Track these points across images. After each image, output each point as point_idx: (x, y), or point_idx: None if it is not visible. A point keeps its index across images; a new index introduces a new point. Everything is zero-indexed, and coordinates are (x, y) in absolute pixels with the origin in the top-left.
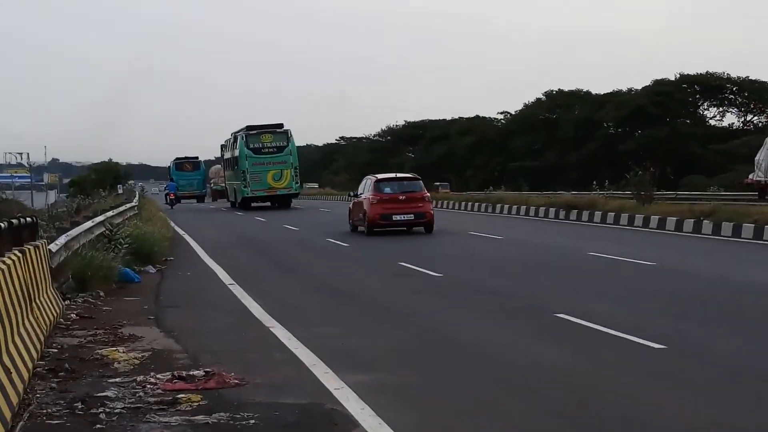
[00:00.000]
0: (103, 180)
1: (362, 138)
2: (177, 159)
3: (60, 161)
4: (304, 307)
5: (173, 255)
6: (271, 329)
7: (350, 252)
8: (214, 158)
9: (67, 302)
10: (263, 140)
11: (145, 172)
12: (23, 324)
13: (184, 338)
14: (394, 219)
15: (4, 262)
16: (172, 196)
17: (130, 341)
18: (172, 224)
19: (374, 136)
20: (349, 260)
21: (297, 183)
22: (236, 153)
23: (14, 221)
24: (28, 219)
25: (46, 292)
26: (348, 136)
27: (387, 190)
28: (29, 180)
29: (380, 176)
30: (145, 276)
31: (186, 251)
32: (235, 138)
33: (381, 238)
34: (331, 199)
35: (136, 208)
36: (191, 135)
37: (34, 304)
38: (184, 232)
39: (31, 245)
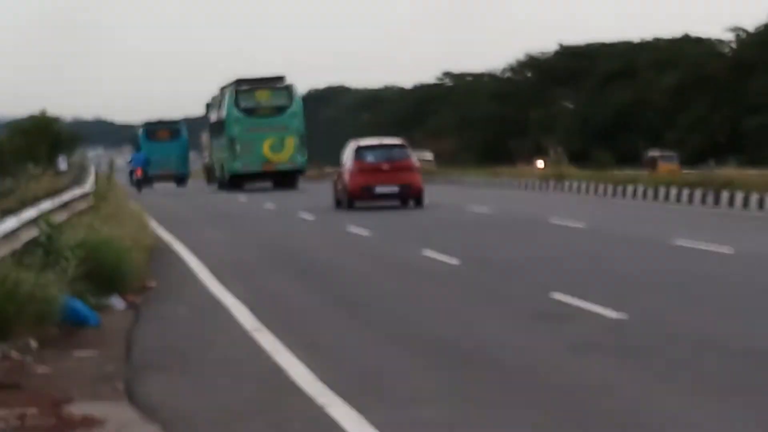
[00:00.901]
0: (34, 147)
1: (483, 75)
2: (148, 124)
3: None
4: (384, 368)
5: (156, 277)
6: (325, 409)
7: (463, 274)
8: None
9: None
10: (258, 98)
11: (104, 134)
12: None
13: (176, 426)
14: (376, 191)
15: None
16: (139, 174)
17: (84, 429)
18: (151, 222)
19: (504, 71)
20: (460, 287)
21: (303, 156)
22: (223, 115)
23: None
24: None
25: None
26: (458, 72)
27: (369, 158)
28: None
29: (362, 143)
30: (107, 314)
31: (177, 271)
32: (223, 95)
33: (516, 255)
34: (431, 181)
35: (92, 195)
36: (182, 80)
37: None
38: (172, 237)
39: None
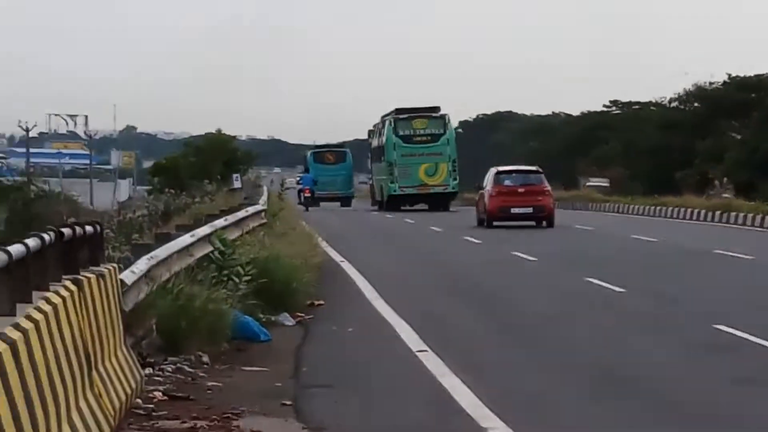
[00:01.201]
0: (209, 164)
1: (650, 104)
2: (316, 147)
3: (138, 131)
4: (547, 394)
5: (324, 296)
6: None
7: (628, 302)
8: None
9: (148, 371)
10: (415, 126)
11: (278, 153)
12: (77, 406)
13: None
14: (512, 212)
15: (48, 301)
16: (308, 193)
17: None
18: (321, 241)
19: (672, 101)
20: (624, 315)
21: (455, 180)
22: (383, 141)
23: (65, 231)
24: (89, 228)
25: (116, 353)
26: (626, 100)
27: (507, 182)
28: (88, 161)
29: (501, 168)
30: (277, 331)
31: (345, 289)
32: (383, 123)
33: (681, 284)
34: (598, 208)
35: (264, 213)
36: (356, 103)
37: (95, 372)
38: (340, 256)
39: (94, 272)
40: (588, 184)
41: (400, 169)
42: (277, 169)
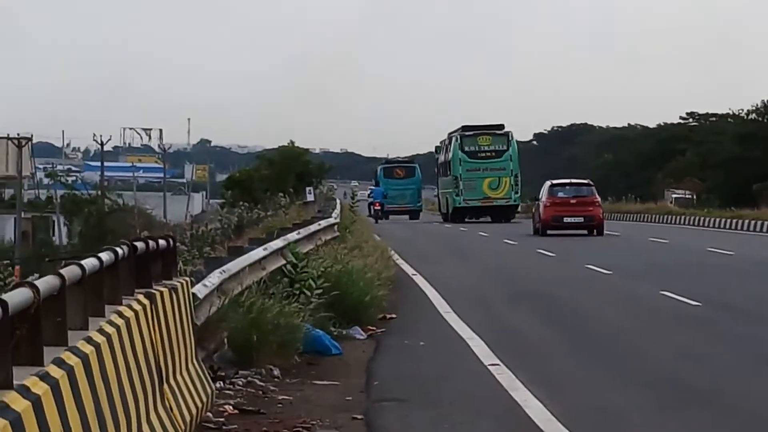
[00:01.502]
0: (282, 177)
1: (727, 116)
2: (386, 162)
3: (211, 144)
4: (620, 409)
5: (396, 310)
6: None
7: (704, 316)
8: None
9: (219, 385)
10: (480, 143)
11: (348, 167)
12: (148, 420)
13: None
14: (565, 221)
15: (120, 315)
16: (378, 206)
17: None
18: (394, 255)
19: (749, 112)
20: (700, 329)
21: (517, 193)
22: (449, 156)
23: (139, 245)
24: (162, 242)
25: (187, 367)
26: (702, 112)
27: (560, 194)
28: (161, 175)
29: (555, 181)
30: (348, 345)
31: (417, 303)
32: (450, 139)
33: (758, 299)
34: (674, 221)
35: (337, 227)
36: (427, 117)
37: (166, 385)
38: (413, 270)
39: (166, 286)
40: (674, 195)
41: (465, 182)
42: (354, 182)
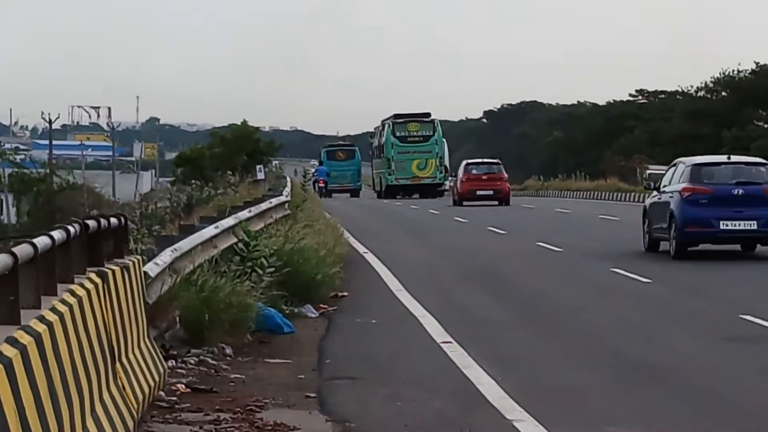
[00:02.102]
0: (232, 156)
1: (676, 92)
2: (329, 145)
3: (160, 123)
4: (573, 385)
5: (348, 287)
6: (514, 424)
7: (655, 292)
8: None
9: (171, 363)
10: (409, 129)
11: (298, 145)
12: (101, 399)
13: None
14: (477, 194)
15: (73, 294)
16: (322, 183)
17: None
18: (344, 232)
19: (699, 90)
20: (651, 305)
21: (442, 173)
22: (383, 141)
23: (91, 223)
24: (113, 220)
25: (139, 346)
26: (652, 89)
27: (474, 171)
28: (110, 153)
29: (469, 161)
30: (300, 323)
31: (369, 281)
32: (383, 125)
33: (709, 275)
34: (624, 199)
35: (288, 205)
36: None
37: (119, 364)
38: (363, 247)
39: (118, 264)
40: (649, 172)
41: (396, 163)
42: (313, 161)
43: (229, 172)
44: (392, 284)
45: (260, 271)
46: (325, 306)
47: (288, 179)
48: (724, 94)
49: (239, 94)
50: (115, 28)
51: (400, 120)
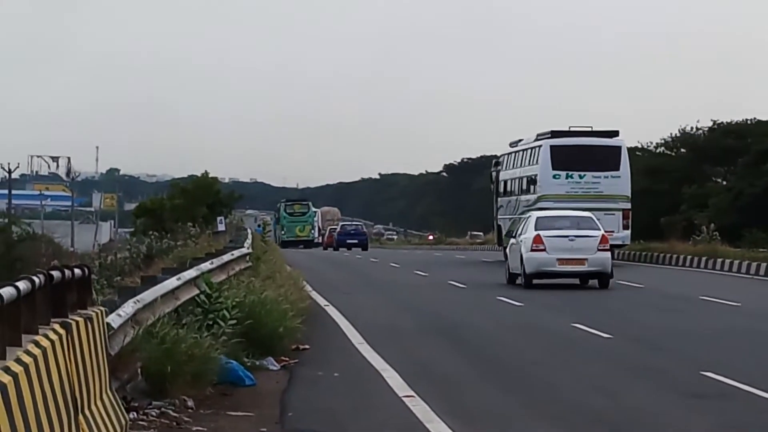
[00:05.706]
0: (192, 207)
1: (636, 148)
2: (287, 200)
3: (120, 173)
4: None
5: (310, 340)
6: None
7: (615, 348)
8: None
9: (133, 415)
10: (295, 209)
11: (258, 196)
12: None
13: None
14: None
15: (37, 345)
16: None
17: None
18: (307, 286)
19: (658, 145)
20: (612, 361)
21: (314, 232)
22: (279, 216)
23: (55, 274)
24: (77, 271)
25: (101, 397)
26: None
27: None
28: (69, 203)
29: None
30: (262, 376)
31: (330, 334)
32: (280, 205)
33: (668, 331)
34: None
35: (249, 257)
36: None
37: (81, 416)
38: (325, 301)
39: (81, 316)
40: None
41: (286, 228)
42: (263, 215)
43: (190, 224)
44: (352, 336)
45: (222, 323)
46: (287, 359)
47: (249, 231)
48: (683, 150)
49: (199, 146)
50: (73, 77)
51: (289, 203)
